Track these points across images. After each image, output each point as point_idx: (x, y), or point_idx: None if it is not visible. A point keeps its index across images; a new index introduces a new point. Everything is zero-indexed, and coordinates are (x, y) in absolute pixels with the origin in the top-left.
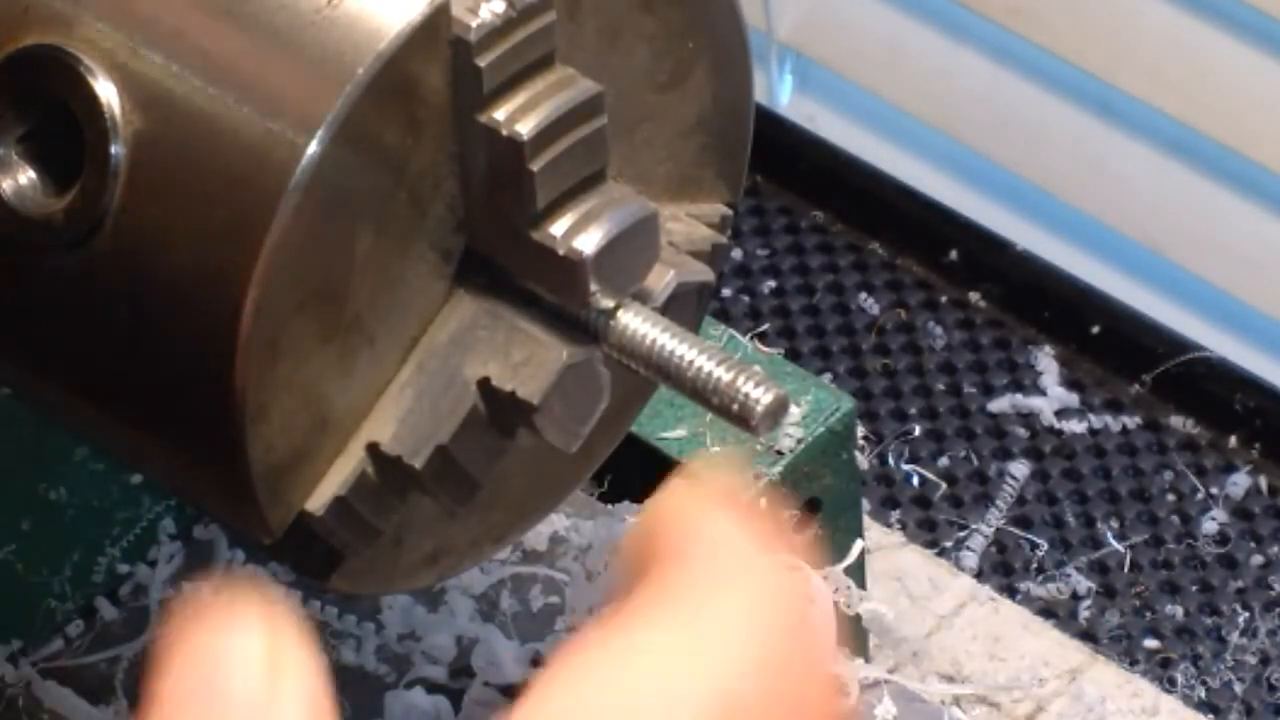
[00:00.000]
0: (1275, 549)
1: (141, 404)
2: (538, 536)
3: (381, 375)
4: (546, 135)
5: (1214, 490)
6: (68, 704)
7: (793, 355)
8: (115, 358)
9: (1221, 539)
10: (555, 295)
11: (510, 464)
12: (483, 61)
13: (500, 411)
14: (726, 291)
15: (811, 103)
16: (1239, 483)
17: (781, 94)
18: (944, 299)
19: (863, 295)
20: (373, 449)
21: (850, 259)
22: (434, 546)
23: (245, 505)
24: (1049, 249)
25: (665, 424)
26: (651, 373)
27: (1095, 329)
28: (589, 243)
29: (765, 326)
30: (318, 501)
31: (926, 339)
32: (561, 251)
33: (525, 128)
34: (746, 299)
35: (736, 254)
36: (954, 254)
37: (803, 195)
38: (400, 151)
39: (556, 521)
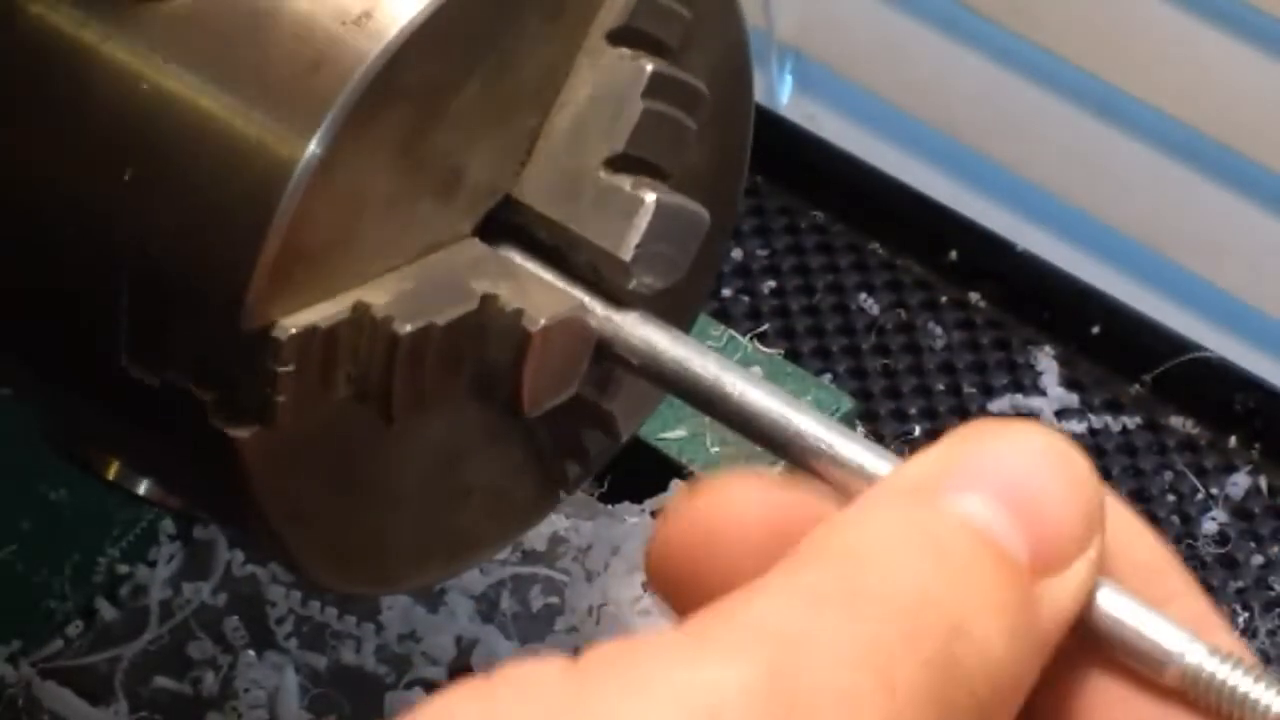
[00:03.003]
0: (1275, 549)
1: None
2: (538, 536)
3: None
4: (661, 84)
5: (1214, 490)
6: (68, 704)
7: (793, 355)
8: None
9: (1221, 539)
10: (598, 243)
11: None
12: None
13: (495, 333)
14: (726, 291)
15: (811, 103)
16: (1239, 483)
17: (781, 94)
18: (944, 299)
19: (863, 295)
20: (361, 307)
21: (850, 259)
22: (422, 546)
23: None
24: (1049, 249)
25: (665, 424)
26: (650, 377)
27: (1095, 329)
28: (650, 196)
29: (765, 326)
30: (290, 321)
31: (926, 339)
32: (629, 188)
33: (649, 64)
34: (746, 299)
35: (736, 254)
36: (954, 254)
37: (803, 195)
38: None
39: (556, 521)
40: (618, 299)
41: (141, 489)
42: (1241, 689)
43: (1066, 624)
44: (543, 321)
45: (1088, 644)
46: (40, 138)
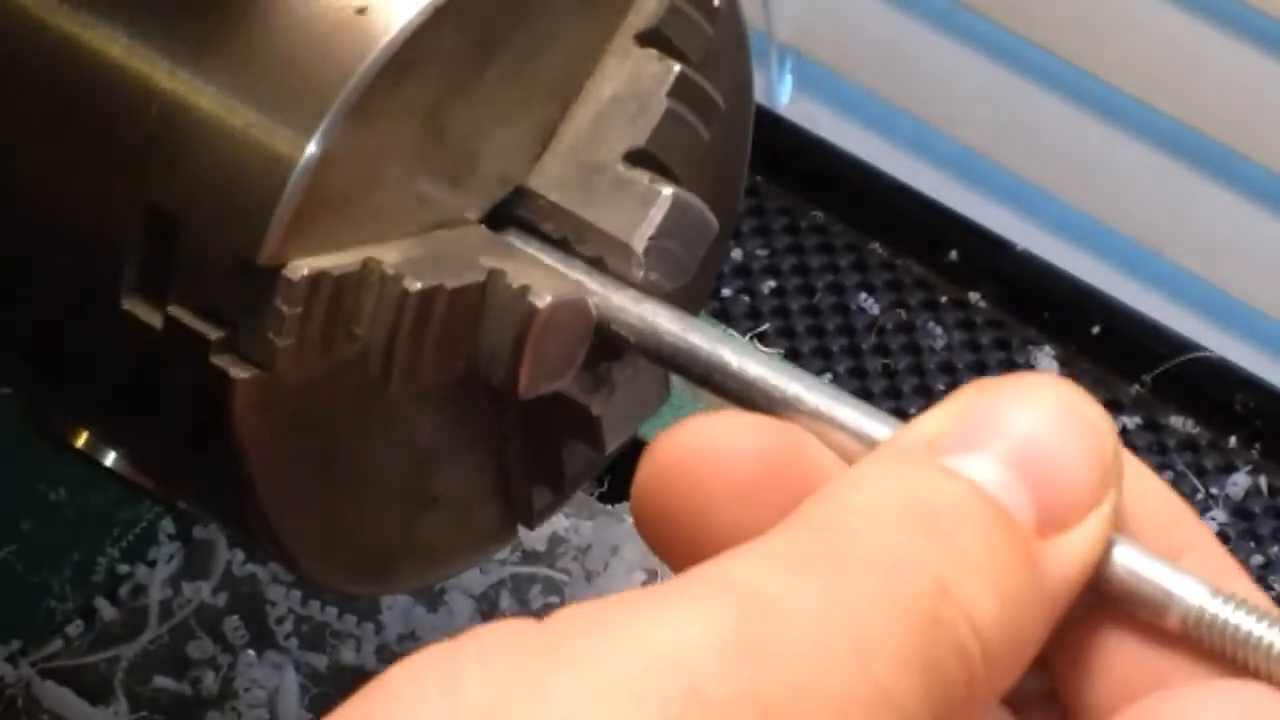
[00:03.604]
0: (1275, 549)
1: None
2: (538, 536)
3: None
4: (685, 87)
5: (1214, 490)
6: (67, 704)
7: (793, 355)
8: None
9: (1221, 539)
10: (610, 232)
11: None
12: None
13: (499, 308)
14: (726, 291)
15: (811, 103)
16: (1239, 483)
17: (781, 94)
18: (944, 299)
19: (863, 295)
20: (372, 263)
21: (850, 259)
22: (392, 545)
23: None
24: (1049, 249)
25: (665, 424)
26: (648, 353)
27: (1095, 329)
28: (668, 189)
29: (765, 326)
30: (303, 263)
31: (926, 339)
32: (647, 181)
33: (676, 65)
34: (746, 299)
35: (736, 254)
36: (954, 254)
37: (803, 195)
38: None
39: (556, 521)
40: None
41: (109, 460)
42: (1244, 628)
43: (1079, 580)
44: (549, 298)
45: (1104, 598)
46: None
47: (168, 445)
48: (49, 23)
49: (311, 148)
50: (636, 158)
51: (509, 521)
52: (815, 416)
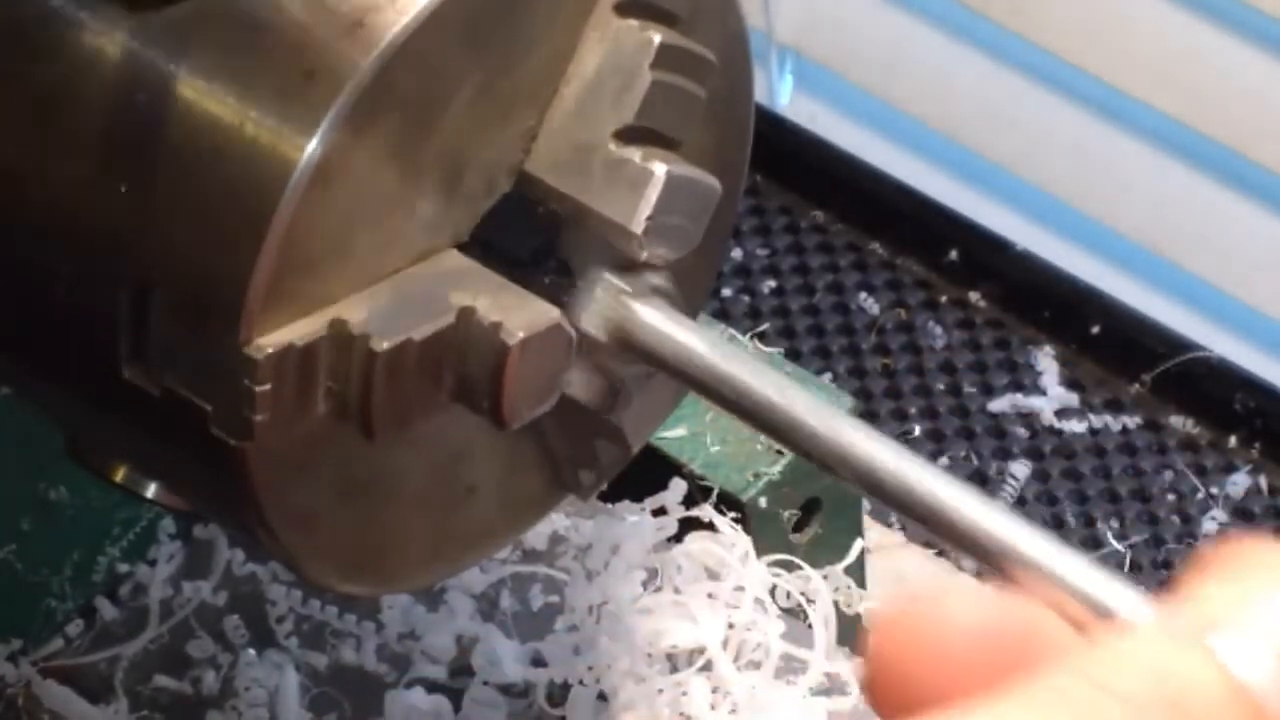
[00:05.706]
0: None
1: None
2: (538, 536)
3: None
4: (669, 55)
5: (1214, 490)
6: (68, 704)
7: (793, 355)
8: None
9: (1221, 539)
10: (609, 216)
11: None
12: None
13: (474, 346)
14: (726, 291)
15: (811, 103)
16: (1239, 483)
17: (781, 94)
18: (944, 299)
19: (863, 295)
20: (338, 324)
21: (850, 259)
22: (429, 545)
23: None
24: (1049, 249)
25: (665, 424)
26: (656, 363)
27: (1095, 329)
28: (660, 168)
29: (765, 326)
30: (267, 341)
31: (926, 339)
32: (639, 160)
33: (657, 35)
34: (746, 299)
35: (736, 254)
36: (954, 254)
37: (803, 195)
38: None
39: (556, 521)
40: (634, 270)
41: (149, 492)
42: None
43: None
44: (521, 334)
45: None
46: (38, 149)
47: (188, 488)
48: None
49: (275, 222)
50: (629, 134)
51: (556, 487)
52: (1038, 571)
